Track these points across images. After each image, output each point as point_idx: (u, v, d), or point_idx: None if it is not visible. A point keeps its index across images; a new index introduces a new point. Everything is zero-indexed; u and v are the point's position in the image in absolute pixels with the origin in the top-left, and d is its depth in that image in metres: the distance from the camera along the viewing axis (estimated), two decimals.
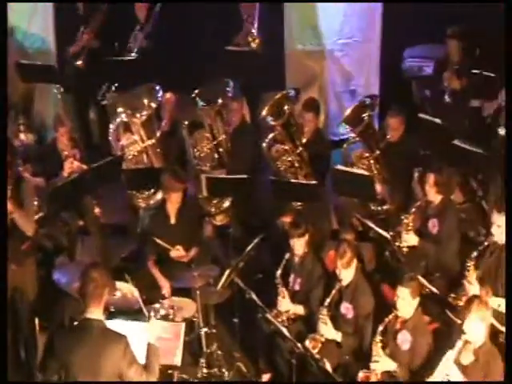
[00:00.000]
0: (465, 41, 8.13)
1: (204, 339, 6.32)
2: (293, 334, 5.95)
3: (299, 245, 6.45)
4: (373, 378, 5.62)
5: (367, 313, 6.01)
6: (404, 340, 5.70)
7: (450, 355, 5.31)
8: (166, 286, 6.66)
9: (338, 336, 6.00)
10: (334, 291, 5.99)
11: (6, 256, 5.72)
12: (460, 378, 5.25)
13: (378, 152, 7.46)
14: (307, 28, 8.97)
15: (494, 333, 5.56)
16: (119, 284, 6.21)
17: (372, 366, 5.63)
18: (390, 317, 5.69)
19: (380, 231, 6.69)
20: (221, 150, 7.86)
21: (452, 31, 8.17)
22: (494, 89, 7.75)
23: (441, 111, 8.00)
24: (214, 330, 6.44)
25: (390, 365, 5.64)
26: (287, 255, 6.46)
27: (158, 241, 6.70)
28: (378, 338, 5.62)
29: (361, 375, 5.67)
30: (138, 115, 7.62)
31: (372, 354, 5.64)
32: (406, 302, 5.68)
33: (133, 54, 8.77)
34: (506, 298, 4.35)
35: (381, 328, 5.64)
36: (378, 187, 7.30)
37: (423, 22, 8.92)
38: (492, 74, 8.16)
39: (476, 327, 5.30)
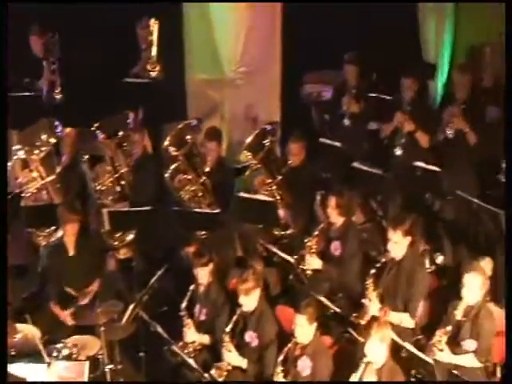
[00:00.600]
0: (361, 65, 8.32)
1: (109, 376, 6.19)
2: (199, 363, 5.92)
3: (203, 274, 6.42)
4: None
5: (271, 340, 6.00)
6: (304, 366, 5.73)
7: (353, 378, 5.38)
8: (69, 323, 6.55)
9: (243, 363, 5.99)
10: (234, 317, 5.96)
11: (6, 256, 5.66)
12: None
13: (279, 177, 7.53)
14: (207, 56, 9.02)
15: (395, 349, 5.66)
16: (20, 326, 6.06)
17: None
18: (290, 345, 5.73)
19: (284, 256, 6.73)
20: (123, 182, 7.78)
21: (349, 56, 8.36)
22: (391, 111, 7.94)
23: (340, 135, 8.19)
24: (120, 366, 6.33)
25: None
26: (192, 286, 6.43)
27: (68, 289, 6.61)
28: (279, 368, 5.66)
29: None
30: (36, 152, 7.50)
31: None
32: (303, 329, 5.73)
33: None
34: (506, 299, 4.41)
35: (281, 357, 5.67)
36: (281, 212, 7.39)
37: (321, 48, 9.12)
38: (388, 97, 8.40)
39: (377, 348, 5.41)
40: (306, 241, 6.83)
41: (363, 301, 6.31)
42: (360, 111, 8.27)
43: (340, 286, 6.74)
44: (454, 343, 5.91)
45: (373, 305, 6.26)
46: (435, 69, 9.26)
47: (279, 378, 5.62)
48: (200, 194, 7.51)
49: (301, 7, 9.08)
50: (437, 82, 9.30)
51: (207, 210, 7.32)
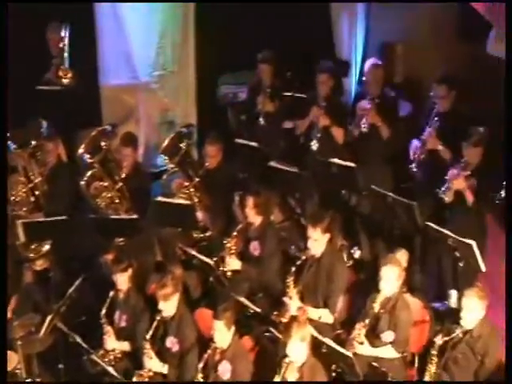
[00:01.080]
0: (275, 64, 8.35)
1: None
2: (120, 372, 5.84)
3: (122, 280, 6.35)
4: None
5: (191, 344, 5.97)
6: (224, 370, 5.72)
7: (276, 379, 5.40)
8: None
9: (164, 368, 5.94)
10: (155, 323, 5.91)
11: (6, 256, 5.56)
12: None
13: (197, 180, 7.52)
14: (121, 61, 8.92)
15: (316, 346, 5.69)
16: None
17: None
18: (209, 351, 5.71)
19: (203, 258, 6.69)
20: (37, 192, 7.63)
21: (262, 56, 8.37)
22: (306, 109, 7.98)
23: (256, 135, 8.21)
24: (38, 379, 6.21)
25: None
26: (111, 293, 6.34)
27: None
28: (200, 375, 5.63)
29: None
30: None
31: None
32: (222, 334, 5.72)
33: None
34: (506, 298, 4.45)
35: (201, 365, 5.65)
36: (200, 215, 7.37)
37: (236, 48, 9.14)
38: (303, 95, 8.46)
39: (297, 348, 5.43)
40: (224, 242, 6.83)
41: (284, 299, 6.35)
42: (275, 110, 8.30)
43: (260, 285, 6.76)
44: (373, 336, 6.00)
45: (293, 302, 6.31)
46: (349, 66, 9.38)
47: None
48: (117, 200, 7.43)
49: (214, 7, 9.08)
50: (350, 78, 9.43)
51: (124, 216, 7.23)
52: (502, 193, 6.29)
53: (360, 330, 5.94)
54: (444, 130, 7.13)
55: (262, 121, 8.26)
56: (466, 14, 8.25)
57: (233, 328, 5.78)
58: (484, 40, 7.93)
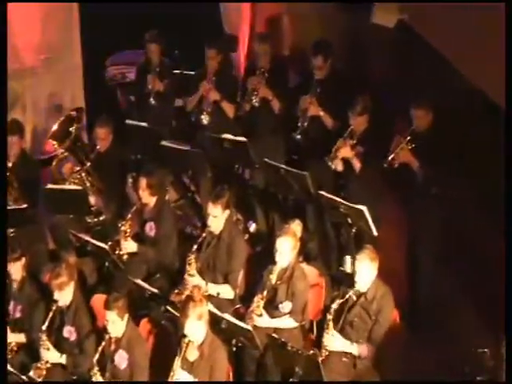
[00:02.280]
0: (163, 43, 8.24)
1: None
2: (16, 365, 5.70)
3: (16, 270, 6.19)
4: None
5: (88, 332, 5.90)
6: (121, 360, 5.65)
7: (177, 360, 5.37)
8: None
9: (62, 359, 5.84)
10: (50, 314, 5.80)
11: (6, 256, 5.44)
12: (189, 376, 5.33)
13: (88, 164, 7.38)
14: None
15: (215, 322, 5.69)
16: None
17: None
18: (103, 343, 5.63)
19: (97, 243, 6.57)
20: None
21: (150, 35, 8.24)
22: (196, 86, 7.92)
23: (147, 115, 8.09)
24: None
25: None
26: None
27: None
28: (96, 368, 5.54)
29: None
30: None
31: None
32: (115, 324, 5.62)
33: None
34: (506, 300, 4.44)
35: (97, 356, 5.57)
36: (92, 199, 7.27)
37: (122, 28, 8.98)
38: (192, 72, 8.40)
39: (195, 327, 5.41)
40: (119, 225, 6.74)
41: (184, 277, 6.32)
42: (165, 89, 8.19)
43: (158, 266, 6.72)
44: (272, 307, 6.04)
45: (194, 280, 6.29)
46: (237, 40, 9.35)
47: (96, 374, 5.54)
48: None
49: None
50: (239, 53, 9.40)
51: (14, 207, 7.02)
52: (390, 157, 6.41)
53: (258, 303, 5.97)
54: (326, 96, 7.23)
55: (152, 100, 8.14)
56: None
57: (126, 316, 5.69)
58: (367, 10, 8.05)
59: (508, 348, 4.16)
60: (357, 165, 6.79)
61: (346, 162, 6.85)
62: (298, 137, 7.32)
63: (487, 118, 6.44)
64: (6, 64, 6.70)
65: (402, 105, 6.69)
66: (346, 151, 6.79)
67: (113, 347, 5.68)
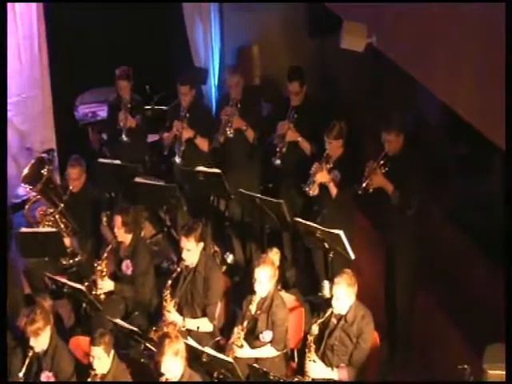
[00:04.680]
0: (133, 79, 8.21)
1: None
2: None
3: None
4: None
5: (68, 377, 5.77)
6: None
7: None
8: None
9: None
10: (27, 361, 5.67)
11: (6, 256, 5.26)
12: None
13: (62, 205, 7.30)
14: None
15: (195, 356, 5.59)
16: None
17: None
18: (89, 379, 5.53)
19: (73, 285, 6.46)
20: None
21: (120, 72, 8.21)
22: (169, 120, 7.88)
23: (120, 152, 8.05)
24: None
25: None
26: None
27: None
28: None
29: None
30: None
31: None
32: (101, 360, 5.55)
33: None
34: (506, 300, 4.37)
35: None
36: (67, 241, 7.19)
37: (91, 66, 8.97)
38: (163, 107, 8.36)
39: (171, 363, 5.30)
40: (95, 265, 6.65)
41: (163, 313, 6.23)
42: (137, 125, 8.14)
43: (136, 303, 6.63)
44: (253, 337, 5.96)
45: (171, 316, 6.21)
46: (207, 73, 9.34)
47: None
48: None
49: (65, 26, 8.88)
50: (211, 85, 9.39)
51: None
52: (364, 183, 6.38)
53: (239, 334, 5.89)
54: (303, 122, 7.23)
55: (124, 137, 8.07)
56: (315, 11, 8.40)
57: (112, 352, 5.61)
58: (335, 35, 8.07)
59: (508, 348, 4.09)
60: (333, 190, 6.74)
61: (322, 186, 6.82)
62: (278, 162, 7.26)
63: (460, 136, 6.45)
64: (5, 64, 6.61)
65: (374, 129, 6.68)
66: (322, 176, 6.74)
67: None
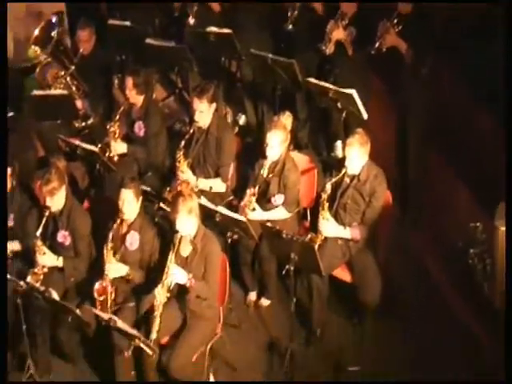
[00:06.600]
0: None
1: None
2: (13, 273, 5.67)
3: None
4: (108, 286, 5.57)
5: (84, 235, 5.87)
6: (133, 241, 5.67)
7: (170, 255, 5.36)
8: None
9: (58, 262, 5.82)
10: (44, 220, 5.75)
11: (6, 254, 5.46)
12: (183, 271, 5.32)
13: (73, 68, 7.24)
14: None
15: (209, 216, 5.66)
16: None
17: (106, 271, 5.56)
18: (118, 221, 5.63)
19: (87, 146, 6.48)
20: None
21: None
22: None
23: (129, 13, 7.83)
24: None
25: (122, 269, 5.61)
26: None
27: None
28: (110, 244, 5.56)
29: (97, 287, 5.58)
30: None
31: (105, 262, 5.57)
32: (130, 205, 5.62)
33: None
34: (506, 299, 4.42)
35: (110, 235, 5.57)
36: (79, 103, 7.17)
37: None
38: None
39: (186, 221, 5.35)
40: (108, 127, 6.65)
41: (176, 174, 6.27)
42: None
43: (148, 165, 6.68)
44: (264, 200, 6.02)
45: (184, 176, 6.26)
46: None
47: (110, 255, 5.54)
48: None
49: None
50: None
51: None
52: (377, 43, 6.25)
53: (251, 198, 5.94)
54: None
55: None
56: None
57: (140, 198, 5.68)
58: None
59: (508, 348, 4.15)
60: (349, 47, 6.65)
61: (338, 45, 6.69)
62: (290, 27, 7.07)
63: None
64: (6, 64, 6.51)
65: None
66: (338, 33, 6.65)
67: (125, 229, 5.70)
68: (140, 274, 5.68)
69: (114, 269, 5.59)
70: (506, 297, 4.39)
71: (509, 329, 4.26)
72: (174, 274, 5.28)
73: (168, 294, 5.30)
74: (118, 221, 5.65)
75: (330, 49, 6.71)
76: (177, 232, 5.38)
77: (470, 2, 6.28)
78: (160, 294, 5.27)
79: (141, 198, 5.69)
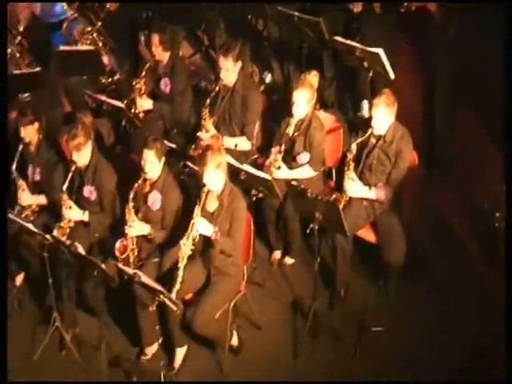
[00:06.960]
0: None
1: None
2: (39, 226, 5.72)
3: (30, 133, 6.13)
4: (130, 245, 5.61)
5: (110, 190, 5.89)
6: (155, 200, 5.69)
7: (196, 208, 5.36)
8: None
9: (84, 216, 5.88)
10: (70, 175, 5.78)
11: (6, 255, 5.41)
12: (209, 225, 5.33)
13: (99, 24, 7.23)
14: None
15: (234, 173, 5.62)
16: None
17: (127, 231, 5.59)
18: (140, 181, 5.63)
19: (113, 102, 6.47)
20: None
21: None
22: None
23: None
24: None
25: (143, 228, 5.64)
26: (20, 147, 6.12)
27: None
28: (131, 204, 5.58)
29: (118, 245, 5.62)
30: None
31: (126, 220, 5.59)
32: (152, 165, 5.61)
33: None
34: (506, 298, 4.42)
35: (132, 194, 5.59)
36: (106, 59, 7.20)
37: None
38: None
39: (213, 175, 5.32)
40: (134, 83, 6.64)
41: (199, 133, 6.27)
42: None
43: (174, 122, 6.67)
44: (290, 158, 6.01)
45: (209, 134, 6.24)
46: None
47: (131, 213, 5.57)
48: (18, 55, 7.14)
49: None
50: None
51: (27, 71, 6.94)
52: (406, 2, 6.19)
53: (276, 155, 5.93)
54: None
55: None
56: None
57: (163, 159, 5.67)
58: None
59: (508, 348, 4.12)
60: (377, 6, 6.55)
61: (365, 4, 6.61)
62: None
63: None
64: (6, 64, 6.48)
65: None
66: None
67: (147, 188, 5.71)
68: (162, 233, 5.70)
69: (136, 227, 5.62)
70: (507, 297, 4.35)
71: (509, 329, 4.25)
72: (200, 226, 5.28)
73: (193, 247, 5.30)
74: (141, 180, 5.65)
75: (357, 7, 6.63)
76: (204, 186, 5.38)
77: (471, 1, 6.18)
78: (185, 245, 5.27)
79: (163, 158, 5.67)
